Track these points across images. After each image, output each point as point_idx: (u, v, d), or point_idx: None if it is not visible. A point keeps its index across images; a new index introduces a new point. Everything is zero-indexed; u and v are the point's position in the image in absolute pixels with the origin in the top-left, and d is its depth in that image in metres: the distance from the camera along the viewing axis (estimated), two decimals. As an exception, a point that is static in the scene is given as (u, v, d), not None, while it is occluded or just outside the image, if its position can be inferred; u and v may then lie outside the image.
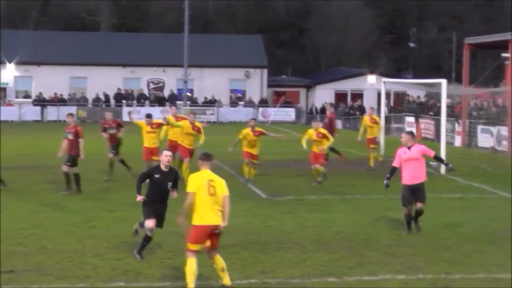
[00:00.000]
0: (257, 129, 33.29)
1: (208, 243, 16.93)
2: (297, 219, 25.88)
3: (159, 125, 33.17)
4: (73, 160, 30.11)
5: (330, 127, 39.96)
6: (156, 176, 18.21)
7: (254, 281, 18.23)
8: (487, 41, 54.72)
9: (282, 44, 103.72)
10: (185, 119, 35.36)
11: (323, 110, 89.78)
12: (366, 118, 41.04)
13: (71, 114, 32.64)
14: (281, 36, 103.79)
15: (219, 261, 16.90)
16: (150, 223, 18.29)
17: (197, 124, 33.96)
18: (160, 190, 18.27)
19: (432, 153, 23.03)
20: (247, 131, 32.87)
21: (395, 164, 22.62)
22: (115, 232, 23.29)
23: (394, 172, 22.63)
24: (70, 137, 30.20)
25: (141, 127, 33.26)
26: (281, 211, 27.65)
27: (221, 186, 16.90)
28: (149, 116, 33.74)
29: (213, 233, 16.81)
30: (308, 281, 18.10)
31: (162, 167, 18.35)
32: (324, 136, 33.31)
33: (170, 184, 18.33)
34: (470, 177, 35.62)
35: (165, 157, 18.33)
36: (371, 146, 39.76)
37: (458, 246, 21.80)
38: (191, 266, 16.63)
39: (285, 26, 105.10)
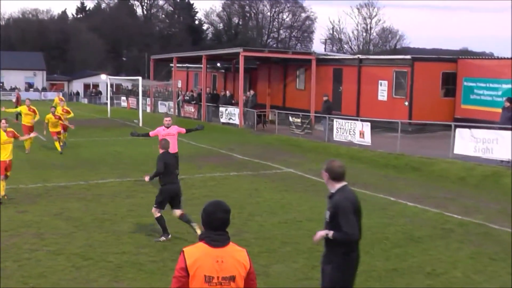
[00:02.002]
0: (57, 113, 25.31)
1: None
2: (74, 150, 24.48)
3: None
4: None
5: (17, 102, 39.62)
6: None
7: (44, 184, 17.23)
8: (162, 58, 54.55)
9: (54, 57, 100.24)
10: None
11: (77, 93, 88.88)
12: (58, 108, 30.33)
13: None
14: (53, 52, 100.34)
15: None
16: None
17: (32, 107, 26.55)
18: None
19: (184, 130, 17.50)
20: (50, 115, 24.82)
21: (151, 134, 17.08)
22: None
23: (146, 135, 17.35)
24: None
25: None
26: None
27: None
28: None
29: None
30: (69, 184, 17.50)
31: None
32: (68, 112, 26.97)
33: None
34: (154, 126, 34.57)
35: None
36: (70, 113, 28.87)
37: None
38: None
39: (55, 47, 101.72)
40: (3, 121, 15.33)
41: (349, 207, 6.55)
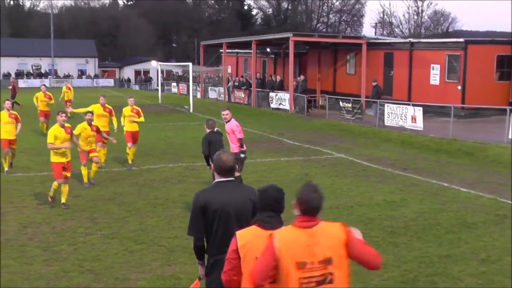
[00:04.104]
0: (93, 124, 15.62)
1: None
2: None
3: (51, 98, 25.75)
4: None
5: (14, 90, 37.65)
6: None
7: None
8: (212, 44, 54.48)
9: (106, 44, 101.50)
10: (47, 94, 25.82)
11: (128, 80, 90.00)
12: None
13: None
14: (104, 40, 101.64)
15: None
16: None
17: (108, 106, 18.06)
18: None
19: (237, 139, 13.36)
20: (83, 125, 15.12)
21: None
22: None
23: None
24: None
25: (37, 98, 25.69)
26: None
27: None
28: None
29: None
30: (121, 169, 17.75)
31: None
32: (138, 113, 18.23)
33: None
34: (204, 112, 35.10)
35: None
36: (140, 116, 19.80)
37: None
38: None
39: (106, 34, 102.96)
40: (62, 114, 13.10)
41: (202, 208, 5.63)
